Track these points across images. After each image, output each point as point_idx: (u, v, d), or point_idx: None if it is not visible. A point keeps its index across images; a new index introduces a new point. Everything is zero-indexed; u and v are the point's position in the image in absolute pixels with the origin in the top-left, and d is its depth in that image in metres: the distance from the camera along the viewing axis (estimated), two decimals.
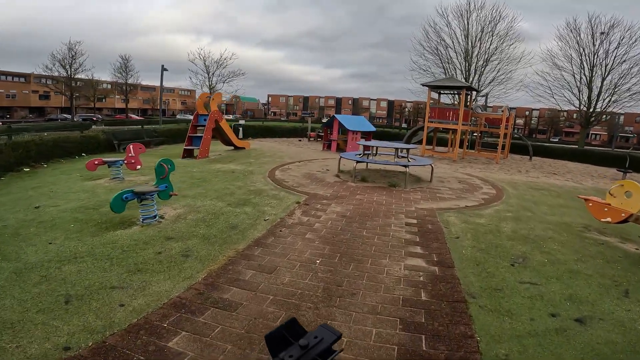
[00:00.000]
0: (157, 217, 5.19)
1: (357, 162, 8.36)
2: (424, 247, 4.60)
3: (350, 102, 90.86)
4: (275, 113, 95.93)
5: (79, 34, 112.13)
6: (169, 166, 5.42)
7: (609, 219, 5.15)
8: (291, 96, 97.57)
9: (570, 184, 10.76)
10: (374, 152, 9.77)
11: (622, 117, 56.70)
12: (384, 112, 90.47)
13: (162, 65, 29.68)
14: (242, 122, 21.33)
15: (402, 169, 8.96)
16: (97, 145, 12.72)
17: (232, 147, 14.34)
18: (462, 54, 27.62)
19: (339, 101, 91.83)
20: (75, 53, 37.38)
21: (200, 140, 11.59)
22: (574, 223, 6.12)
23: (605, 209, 5.17)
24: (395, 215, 5.96)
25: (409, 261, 4.18)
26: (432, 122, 16.12)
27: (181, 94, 79.71)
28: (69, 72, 37.31)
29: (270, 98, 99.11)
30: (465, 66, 27.52)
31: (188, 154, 11.61)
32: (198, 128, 12.43)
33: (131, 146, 7.95)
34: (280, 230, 5.00)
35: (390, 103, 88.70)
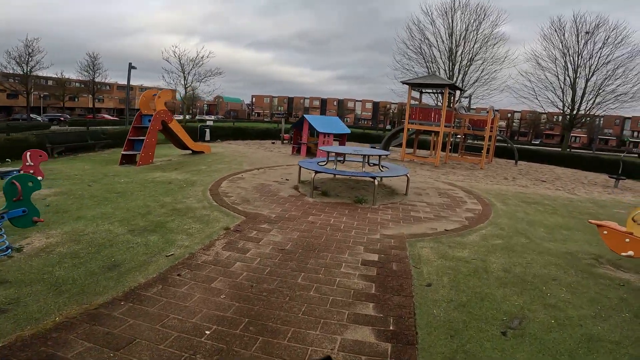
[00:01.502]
0: (10, 250, 3.69)
1: (316, 172, 6.89)
2: (379, 305, 3.15)
3: (335, 103, 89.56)
4: (259, 114, 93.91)
5: (71, 33, 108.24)
6: (30, 183, 3.86)
7: (631, 253, 3.84)
8: (275, 97, 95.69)
9: (564, 195, 9.54)
10: (342, 158, 8.33)
11: (601, 120, 57.03)
12: (369, 113, 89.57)
13: (130, 63, 27.84)
14: (209, 122, 19.57)
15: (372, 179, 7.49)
16: (26, 149, 10.86)
17: (190, 151, 12.71)
18: (445, 53, 26.61)
19: (324, 102, 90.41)
20: (32, 50, 34.96)
21: (142, 144, 9.91)
22: (580, 253, 4.78)
23: (627, 240, 3.85)
24: (352, 247, 4.49)
25: (350, 333, 2.73)
26: (412, 123, 14.81)
27: None
28: (24, 69, 34.80)
29: (254, 98, 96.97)
30: (449, 66, 26.51)
31: (127, 160, 9.90)
32: (144, 130, 10.75)
33: (28, 153, 6.36)
34: (179, 275, 3.49)
35: (375, 104, 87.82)
